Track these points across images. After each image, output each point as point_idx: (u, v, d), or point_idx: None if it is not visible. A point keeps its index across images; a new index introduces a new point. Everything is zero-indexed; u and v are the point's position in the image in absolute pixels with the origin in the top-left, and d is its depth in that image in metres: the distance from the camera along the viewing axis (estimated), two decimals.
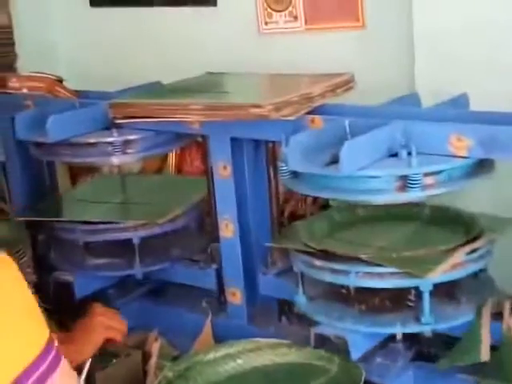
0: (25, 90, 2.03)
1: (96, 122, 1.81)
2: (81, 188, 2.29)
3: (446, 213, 1.66)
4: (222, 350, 1.61)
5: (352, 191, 1.42)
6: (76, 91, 2.04)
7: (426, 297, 1.46)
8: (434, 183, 1.40)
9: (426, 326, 1.48)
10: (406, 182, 1.38)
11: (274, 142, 1.72)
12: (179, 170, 2.40)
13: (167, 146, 1.87)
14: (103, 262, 1.90)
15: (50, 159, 1.98)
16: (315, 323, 1.55)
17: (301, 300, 1.61)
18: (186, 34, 2.42)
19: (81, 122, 1.79)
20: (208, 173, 1.80)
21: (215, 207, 1.76)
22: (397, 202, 1.58)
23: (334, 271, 1.51)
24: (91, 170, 2.32)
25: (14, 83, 2.04)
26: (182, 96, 1.81)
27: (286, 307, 1.75)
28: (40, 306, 0.99)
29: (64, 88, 2.04)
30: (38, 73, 2.07)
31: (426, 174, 1.39)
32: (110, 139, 1.77)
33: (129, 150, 1.79)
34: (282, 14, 2.22)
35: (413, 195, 1.39)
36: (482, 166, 1.44)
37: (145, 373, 1.62)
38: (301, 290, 1.61)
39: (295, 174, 1.49)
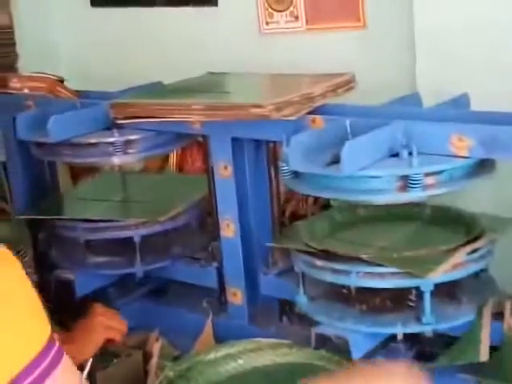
0: (26, 91, 2.03)
1: (97, 122, 1.81)
2: (82, 186, 2.29)
3: (446, 213, 1.66)
4: (223, 350, 1.61)
5: (353, 191, 1.42)
6: (77, 91, 2.04)
7: (427, 297, 1.46)
8: (435, 183, 1.40)
9: (427, 326, 1.48)
10: (406, 182, 1.38)
11: (274, 142, 1.72)
12: (180, 170, 2.40)
13: (168, 146, 1.87)
14: (104, 260, 1.90)
15: (51, 159, 1.98)
16: (316, 323, 1.55)
17: (302, 300, 1.61)
18: (186, 34, 2.43)
19: (82, 122, 1.79)
20: (209, 173, 1.80)
21: (216, 207, 1.76)
22: (398, 202, 1.58)
23: (334, 271, 1.51)
24: (92, 170, 2.32)
25: (15, 83, 2.04)
26: (183, 96, 1.81)
27: (286, 307, 1.75)
28: (42, 304, 1.00)
29: (65, 88, 2.04)
30: (39, 73, 2.07)
31: (427, 174, 1.39)
32: (111, 139, 1.77)
33: (130, 150, 1.79)
34: (283, 13, 2.22)
35: (414, 195, 1.39)
36: (482, 166, 1.44)
37: (146, 373, 1.62)
38: (302, 290, 1.61)
39: (296, 174, 1.49)
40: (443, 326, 1.50)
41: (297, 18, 2.20)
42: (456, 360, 1.45)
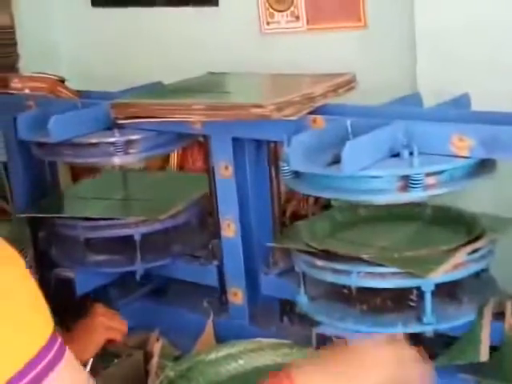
0: (27, 91, 2.03)
1: (98, 122, 1.82)
2: (82, 185, 2.29)
3: (447, 213, 1.66)
4: (224, 350, 1.61)
5: (354, 191, 1.42)
6: (78, 91, 2.04)
7: (428, 297, 1.46)
8: (436, 183, 1.40)
9: (428, 326, 1.48)
10: (407, 182, 1.38)
11: (275, 142, 1.72)
12: (181, 170, 2.40)
13: (169, 146, 1.87)
14: (104, 259, 1.90)
15: (52, 159, 1.98)
16: (317, 323, 1.55)
17: (302, 300, 1.61)
18: (187, 34, 2.43)
19: (83, 122, 1.79)
20: (209, 173, 1.80)
21: (217, 207, 1.76)
22: (398, 202, 1.57)
23: (335, 271, 1.51)
24: (93, 170, 2.32)
25: (16, 83, 2.04)
26: (183, 96, 1.81)
27: (287, 307, 1.75)
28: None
29: (66, 88, 2.04)
30: (40, 73, 2.07)
31: (428, 174, 1.38)
32: (111, 139, 1.77)
33: (131, 150, 1.79)
34: (284, 13, 2.22)
35: (414, 195, 1.39)
36: (483, 166, 1.44)
37: (146, 373, 1.62)
38: (302, 289, 1.61)
39: (297, 174, 1.49)
40: (444, 326, 1.50)
41: (297, 18, 2.20)
42: (456, 360, 1.45)
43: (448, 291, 1.53)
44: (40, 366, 0.92)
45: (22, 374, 0.91)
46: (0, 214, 2.25)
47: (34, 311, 0.95)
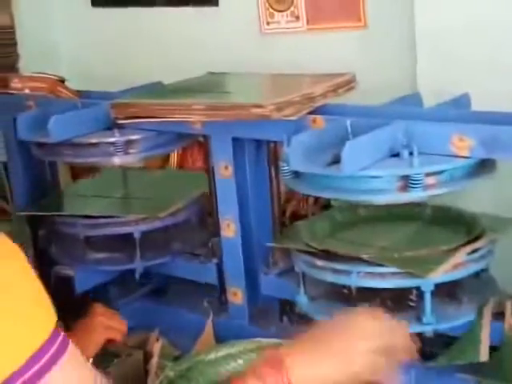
0: (27, 91, 2.03)
1: (98, 122, 1.82)
2: (82, 183, 2.29)
3: (447, 213, 1.66)
4: (224, 350, 1.61)
5: (353, 191, 1.42)
6: (78, 91, 2.04)
7: (428, 297, 1.45)
8: (436, 183, 1.40)
9: (428, 326, 1.48)
10: (407, 182, 1.38)
11: (275, 142, 1.72)
12: (181, 169, 2.40)
13: (169, 146, 1.87)
14: (104, 257, 1.90)
15: (52, 159, 1.98)
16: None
17: (302, 300, 1.61)
18: (187, 34, 2.43)
19: (83, 123, 1.79)
20: (209, 173, 1.80)
21: (217, 207, 1.76)
22: (398, 202, 1.57)
23: (335, 271, 1.51)
24: (93, 169, 2.32)
25: (16, 83, 2.04)
26: (183, 96, 1.81)
27: (287, 307, 1.75)
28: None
29: (66, 88, 2.04)
30: (40, 73, 2.07)
31: (428, 174, 1.38)
32: (111, 139, 1.77)
33: (131, 150, 1.79)
34: (284, 13, 2.22)
35: (414, 195, 1.39)
36: (483, 166, 1.44)
37: (146, 373, 1.61)
38: (302, 289, 1.61)
39: (297, 174, 1.49)
40: (444, 326, 1.50)
41: (297, 18, 2.20)
42: (456, 360, 1.45)
43: (448, 291, 1.53)
44: (43, 360, 0.92)
45: (24, 369, 0.91)
46: (0, 214, 2.25)
47: (36, 305, 0.96)
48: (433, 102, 1.65)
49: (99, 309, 1.70)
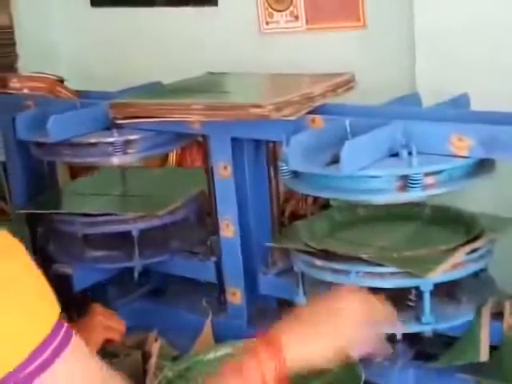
0: (26, 91, 2.03)
1: (97, 122, 1.81)
2: (80, 181, 2.29)
3: (446, 213, 1.66)
4: (222, 350, 1.61)
5: (352, 191, 1.42)
6: (77, 91, 2.04)
7: (427, 296, 1.45)
8: (435, 183, 1.40)
9: (427, 326, 1.48)
10: (406, 182, 1.38)
11: (274, 142, 1.72)
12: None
13: (168, 146, 1.87)
14: (102, 255, 1.90)
15: (51, 159, 1.98)
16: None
17: (301, 300, 1.61)
18: (186, 34, 2.43)
19: (81, 122, 1.79)
20: (208, 173, 1.80)
21: (215, 207, 1.76)
22: (397, 202, 1.58)
23: (334, 271, 1.50)
24: (91, 169, 2.31)
25: (14, 83, 2.04)
26: (182, 96, 1.81)
27: (286, 307, 1.75)
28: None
29: (65, 88, 2.04)
30: (39, 73, 2.07)
31: (427, 174, 1.38)
32: (110, 139, 1.77)
33: (129, 150, 1.79)
34: (283, 13, 2.22)
35: (413, 195, 1.39)
36: (482, 166, 1.44)
37: (145, 373, 1.61)
38: (301, 289, 1.61)
39: (296, 174, 1.49)
40: (443, 326, 1.50)
41: (297, 17, 2.20)
42: (456, 360, 1.45)
43: (447, 291, 1.53)
44: (45, 354, 0.92)
45: (26, 363, 0.91)
46: None
47: (39, 298, 0.96)
48: (432, 101, 1.65)
49: (98, 309, 1.70)
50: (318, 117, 1.57)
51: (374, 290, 1.49)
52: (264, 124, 1.59)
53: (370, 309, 1.19)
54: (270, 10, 2.24)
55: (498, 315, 1.47)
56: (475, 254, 1.49)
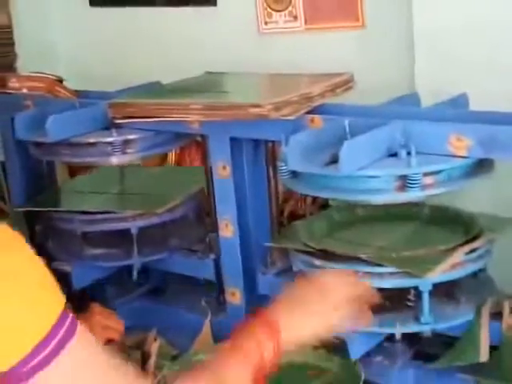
0: (25, 90, 2.03)
1: (96, 121, 1.81)
2: (79, 179, 2.28)
3: (445, 213, 1.66)
4: None
5: (351, 191, 1.42)
6: (76, 91, 2.04)
7: (426, 296, 1.46)
8: (434, 183, 1.40)
9: (426, 326, 1.48)
10: (405, 182, 1.38)
11: (273, 142, 1.72)
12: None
13: (167, 145, 1.87)
14: (101, 252, 1.90)
15: (50, 159, 1.98)
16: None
17: None
18: (185, 34, 2.43)
19: (80, 122, 1.79)
20: (207, 173, 1.80)
21: (215, 207, 1.76)
22: (396, 202, 1.58)
23: None
24: (90, 169, 2.31)
25: (13, 83, 2.04)
26: (181, 96, 1.81)
27: None
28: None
29: (64, 88, 2.04)
30: (38, 73, 2.07)
31: (426, 174, 1.38)
32: (109, 139, 1.77)
33: (128, 150, 1.79)
34: (282, 13, 2.22)
35: (412, 195, 1.39)
36: (481, 166, 1.44)
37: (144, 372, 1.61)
38: None
39: (295, 174, 1.49)
40: (441, 326, 1.50)
41: (295, 17, 2.20)
42: (456, 361, 1.45)
43: (446, 291, 1.53)
44: (50, 346, 0.92)
45: (32, 355, 0.91)
46: None
47: (43, 289, 0.96)
48: (431, 101, 1.65)
49: (97, 308, 1.70)
50: (316, 117, 1.57)
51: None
52: (263, 124, 1.59)
53: (352, 287, 1.28)
54: (268, 10, 2.24)
55: (496, 315, 1.47)
56: (474, 254, 1.49)
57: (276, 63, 2.16)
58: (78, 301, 1.79)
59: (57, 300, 0.96)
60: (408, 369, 1.54)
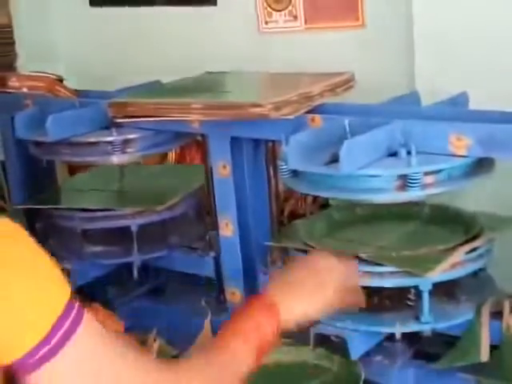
0: (25, 90, 2.03)
1: (96, 121, 1.81)
2: (79, 177, 2.28)
3: (445, 212, 1.66)
4: None
5: (352, 190, 1.42)
6: (76, 90, 2.04)
7: (426, 296, 1.45)
8: (434, 182, 1.40)
9: (426, 325, 1.48)
10: (405, 181, 1.38)
11: (273, 141, 1.72)
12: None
13: (167, 145, 1.87)
14: (101, 250, 1.90)
15: (50, 158, 1.97)
16: (314, 322, 1.55)
17: None
18: (185, 34, 2.43)
19: (80, 122, 1.79)
20: (207, 172, 1.80)
21: (215, 206, 1.76)
22: (396, 201, 1.57)
23: None
24: (90, 168, 2.31)
25: (13, 82, 2.04)
26: (181, 95, 1.81)
27: None
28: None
29: (64, 87, 2.04)
30: (38, 72, 2.07)
31: (426, 173, 1.38)
32: (109, 138, 1.77)
33: (128, 150, 1.79)
34: (282, 13, 2.22)
35: (412, 194, 1.39)
36: (481, 165, 1.44)
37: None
38: None
39: (295, 173, 1.49)
40: (442, 325, 1.50)
41: (296, 17, 2.20)
42: (457, 361, 1.45)
43: (446, 290, 1.53)
44: (57, 337, 0.92)
45: (39, 346, 0.91)
46: None
47: (49, 281, 0.96)
48: (430, 101, 1.65)
49: (96, 309, 1.70)
50: (317, 116, 1.57)
51: (374, 290, 1.50)
52: (263, 123, 1.59)
53: (341, 265, 1.36)
54: (268, 9, 2.25)
55: (497, 314, 1.47)
56: (474, 254, 1.49)
57: (276, 63, 2.16)
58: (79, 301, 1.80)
59: (62, 290, 0.96)
60: (408, 368, 1.54)
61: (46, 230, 1.96)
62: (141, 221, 1.84)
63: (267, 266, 1.76)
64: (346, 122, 1.47)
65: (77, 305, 0.96)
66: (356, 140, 1.37)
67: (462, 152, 1.39)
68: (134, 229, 1.83)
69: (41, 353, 0.91)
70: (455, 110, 1.56)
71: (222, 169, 1.70)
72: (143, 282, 1.96)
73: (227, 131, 1.67)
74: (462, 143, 1.38)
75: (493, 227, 1.55)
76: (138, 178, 2.10)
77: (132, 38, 2.56)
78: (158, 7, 2.48)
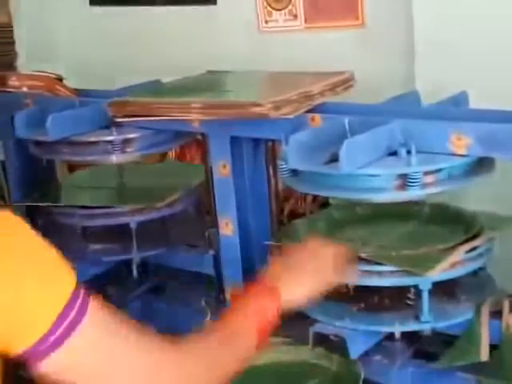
0: (25, 89, 2.03)
1: (96, 120, 1.82)
2: (79, 174, 2.28)
3: (445, 211, 1.66)
4: None
5: (351, 189, 1.42)
6: (76, 90, 2.04)
7: (425, 295, 1.45)
8: (434, 181, 1.40)
9: (425, 325, 1.48)
10: (405, 181, 1.38)
11: (273, 141, 1.72)
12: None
13: (167, 144, 1.87)
14: (101, 247, 1.90)
15: (50, 158, 1.97)
16: (314, 322, 1.55)
17: None
18: (185, 33, 2.43)
19: (80, 121, 1.80)
20: (207, 171, 1.80)
21: (215, 206, 1.76)
22: (396, 201, 1.57)
23: None
24: (90, 166, 2.31)
25: (14, 82, 2.04)
26: (181, 94, 1.80)
27: None
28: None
29: (64, 87, 2.04)
30: (38, 71, 2.07)
31: (426, 173, 1.38)
32: (109, 138, 1.77)
33: (128, 149, 1.79)
34: (282, 12, 2.22)
35: (412, 194, 1.39)
36: (481, 165, 1.44)
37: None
38: None
39: (295, 173, 1.49)
40: (441, 325, 1.50)
41: (295, 16, 2.20)
42: (457, 360, 1.45)
43: (446, 290, 1.53)
44: (62, 327, 0.92)
45: (46, 336, 0.91)
46: None
47: (54, 271, 0.97)
48: (431, 100, 1.65)
49: None
50: (317, 115, 1.57)
51: (373, 289, 1.50)
52: (263, 122, 1.59)
53: (335, 247, 1.39)
54: (268, 8, 2.25)
55: (496, 314, 1.47)
56: (474, 253, 1.49)
57: (276, 62, 2.16)
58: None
59: (68, 279, 0.97)
60: (407, 368, 1.54)
61: (45, 227, 1.95)
62: (140, 218, 1.85)
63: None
64: (346, 121, 1.47)
65: (82, 293, 0.96)
66: (356, 139, 1.37)
67: (462, 151, 1.39)
68: (133, 226, 1.83)
69: (48, 342, 0.91)
70: (455, 109, 1.56)
71: (222, 168, 1.70)
72: (143, 281, 1.96)
73: (227, 130, 1.67)
74: (461, 142, 1.38)
75: (493, 226, 1.55)
76: (137, 176, 2.10)
77: (132, 38, 2.56)
78: (158, 7, 2.48)
